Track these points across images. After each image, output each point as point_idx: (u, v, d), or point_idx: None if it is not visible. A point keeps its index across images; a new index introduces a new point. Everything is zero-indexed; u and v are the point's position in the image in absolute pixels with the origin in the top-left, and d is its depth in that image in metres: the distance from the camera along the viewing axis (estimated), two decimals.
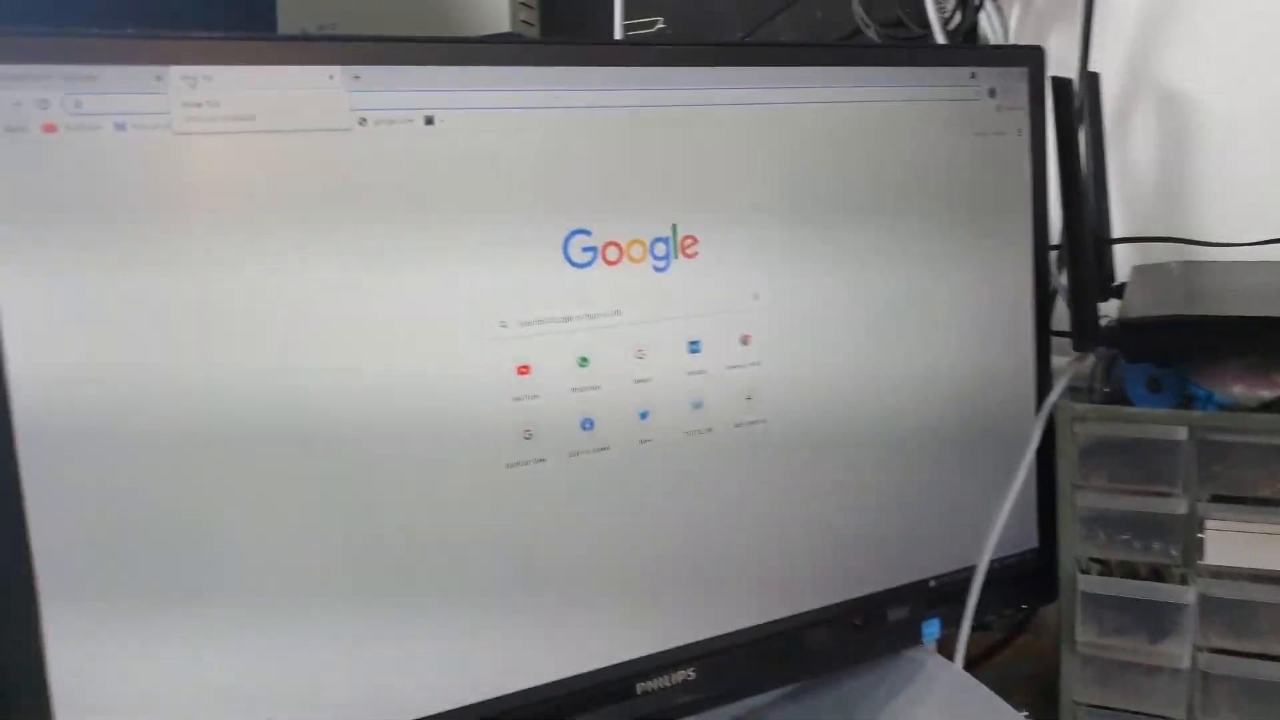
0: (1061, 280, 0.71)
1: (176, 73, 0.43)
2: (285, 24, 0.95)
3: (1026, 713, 0.64)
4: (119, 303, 0.43)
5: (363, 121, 0.47)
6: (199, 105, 0.44)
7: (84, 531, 0.43)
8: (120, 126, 0.43)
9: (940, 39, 0.79)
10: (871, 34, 0.82)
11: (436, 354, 0.49)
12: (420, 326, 0.49)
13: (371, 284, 0.48)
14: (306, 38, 0.47)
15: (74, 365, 0.42)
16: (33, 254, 0.41)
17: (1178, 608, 0.62)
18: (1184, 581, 0.62)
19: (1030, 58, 0.66)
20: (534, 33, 0.92)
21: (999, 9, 0.81)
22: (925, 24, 0.81)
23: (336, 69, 0.46)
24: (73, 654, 0.43)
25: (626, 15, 0.89)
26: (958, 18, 0.80)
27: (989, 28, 0.80)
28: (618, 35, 0.87)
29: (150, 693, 0.45)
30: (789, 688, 0.63)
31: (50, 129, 0.41)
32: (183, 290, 0.44)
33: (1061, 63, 0.77)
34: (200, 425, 0.44)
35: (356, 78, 0.47)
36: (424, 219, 0.49)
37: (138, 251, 0.43)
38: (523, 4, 0.91)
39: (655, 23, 0.91)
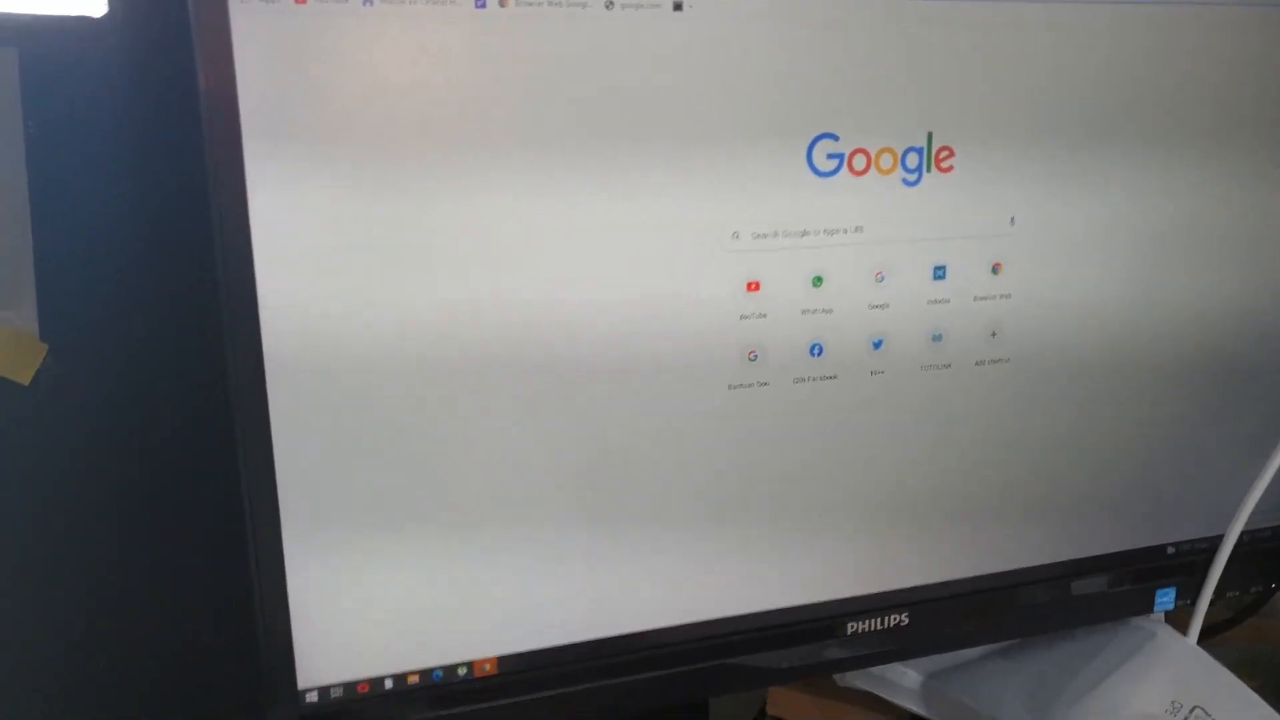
0: None
1: None
2: None
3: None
4: (363, 227, 0.42)
5: (609, 5, 0.43)
6: None
7: (322, 455, 0.43)
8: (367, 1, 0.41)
9: None
10: None
11: (665, 265, 0.46)
12: (651, 235, 0.46)
13: (609, 188, 0.45)
14: None
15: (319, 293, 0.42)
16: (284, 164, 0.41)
17: None
18: None
19: None
20: None
21: None
22: None
23: None
24: (309, 571, 0.44)
25: None
26: None
27: None
28: None
29: (379, 608, 0.46)
30: (1004, 644, 0.59)
31: (301, 1, 0.40)
32: (417, 207, 0.42)
33: None
34: (435, 351, 0.44)
35: None
36: (665, 112, 0.45)
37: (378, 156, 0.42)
38: None
39: None
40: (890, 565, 0.53)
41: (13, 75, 0.52)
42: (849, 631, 0.53)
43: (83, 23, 0.59)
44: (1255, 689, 0.58)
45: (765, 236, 0.48)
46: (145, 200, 0.54)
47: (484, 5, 0.42)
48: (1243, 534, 0.59)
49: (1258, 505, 0.58)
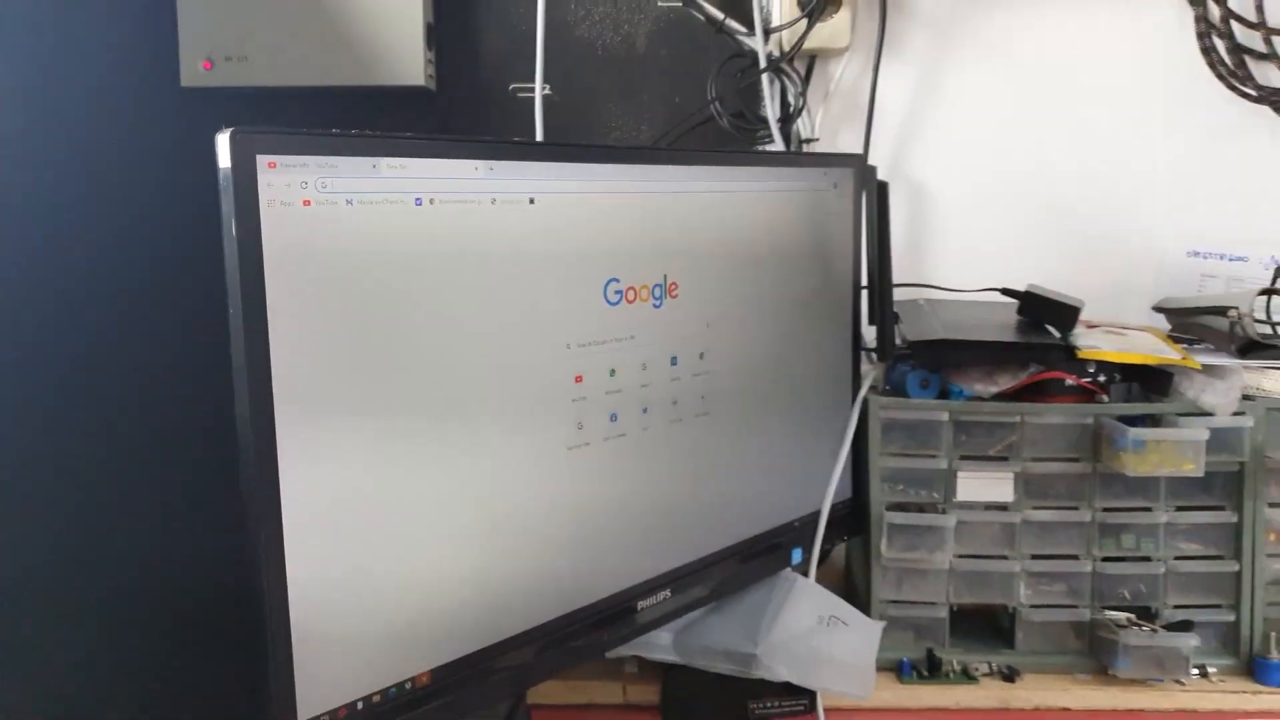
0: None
1: (384, 164, 0.59)
2: (187, 55, 1.03)
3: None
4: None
5: (494, 201, 0.65)
6: (397, 183, 0.59)
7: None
8: (349, 201, 0.57)
9: (775, 132, 1.08)
10: (724, 123, 1.08)
11: (526, 364, 0.68)
12: (516, 342, 0.67)
13: (489, 315, 0.65)
14: (464, 139, 0.63)
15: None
16: (293, 297, 0.55)
17: (943, 529, 0.95)
18: (944, 512, 0.96)
19: (857, 162, 0.96)
20: (433, 84, 1.08)
21: (809, 113, 1.11)
22: (761, 116, 1.09)
23: (481, 162, 0.64)
24: (300, 465, 0.57)
25: (513, 81, 1.09)
26: (784, 116, 1.10)
27: (803, 125, 1.11)
28: (538, 98, 1.06)
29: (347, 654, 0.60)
30: (715, 603, 0.88)
31: (307, 203, 0.55)
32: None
33: (849, 150, 1.08)
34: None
35: (491, 169, 0.64)
36: (523, 267, 0.67)
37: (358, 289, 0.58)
38: (428, 59, 1.07)
39: (545, 87, 1.11)
40: (658, 557, 0.80)
41: None
42: (640, 608, 0.78)
43: None
44: None
45: (584, 346, 0.72)
46: None
47: (420, 202, 0.61)
48: (832, 506, 0.95)
49: (835, 490, 0.95)
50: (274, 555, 0.56)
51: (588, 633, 0.74)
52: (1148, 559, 0.96)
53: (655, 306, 0.77)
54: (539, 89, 1.06)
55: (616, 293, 0.74)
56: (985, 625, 0.98)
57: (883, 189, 0.93)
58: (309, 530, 0.57)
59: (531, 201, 0.67)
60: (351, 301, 0.58)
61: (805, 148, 1.11)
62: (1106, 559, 0.96)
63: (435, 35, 1.09)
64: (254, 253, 0.53)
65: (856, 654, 0.84)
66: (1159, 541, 0.95)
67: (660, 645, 0.84)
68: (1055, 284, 1.02)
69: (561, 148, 0.70)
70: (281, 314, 0.55)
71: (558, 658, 0.72)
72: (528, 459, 0.69)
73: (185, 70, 1.04)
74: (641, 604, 0.79)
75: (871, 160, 1.10)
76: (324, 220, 0.56)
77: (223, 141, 0.52)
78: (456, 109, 1.12)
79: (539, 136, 1.06)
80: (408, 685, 0.64)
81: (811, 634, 0.85)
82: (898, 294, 1.11)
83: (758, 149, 1.11)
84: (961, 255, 1.15)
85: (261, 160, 0.53)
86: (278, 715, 0.57)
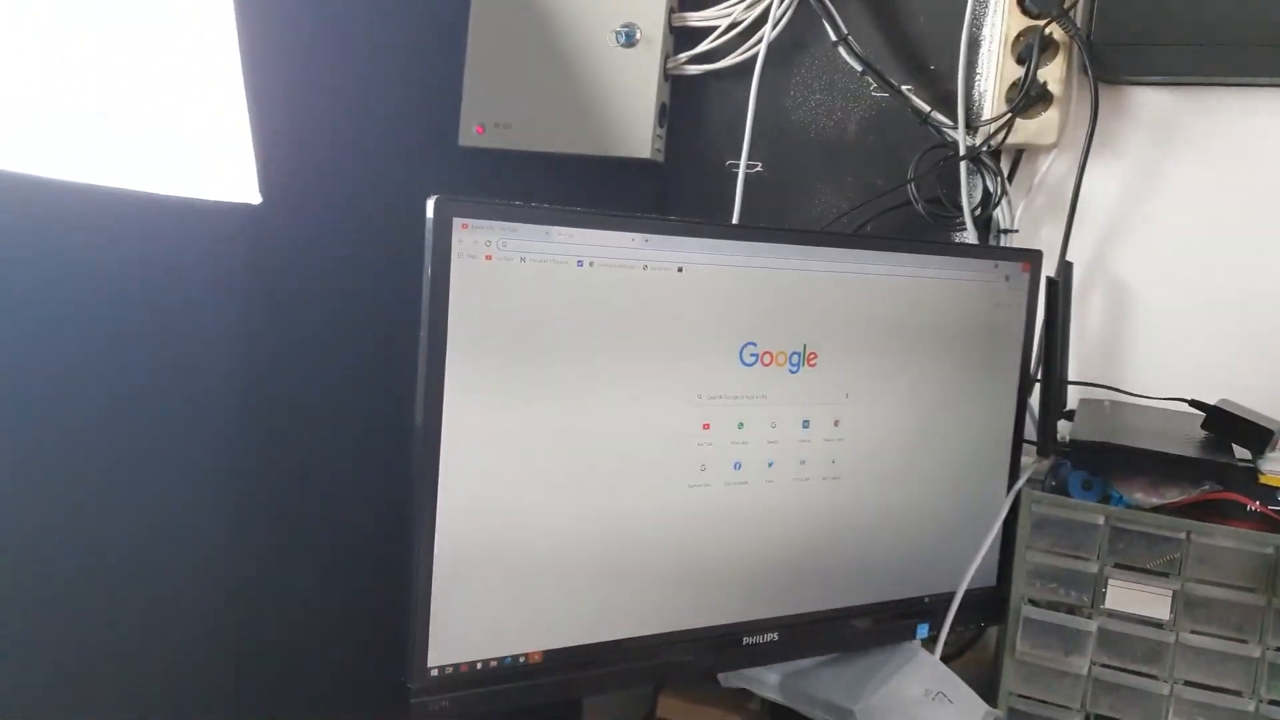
0: (1032, 405, 1.03)
1: (555, 231, 0.73)
2: (466, 119, 1.24)
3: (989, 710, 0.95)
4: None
5: (645, 267, 0.77)
6: (564, 247, 0.73)
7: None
8: (523, 259, 0.72)
9: (969, 220, 1.12)
10: (919, 208, 1.14)
11: (658, 407, 0.79)
12: (650, 386, 0.79)
13: (629, 361, 0.77)
14: (622, 215, 0.76)
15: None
16: (469, 328, 0.70)
17: (1084, 634, 0.94)
18: (1089, 617, 0.94)
19: (1033, 257, 0.98)
20: (660, 157, 1.22)
21: (1009, 203, 1.13)
22: (958, 205, 1.13)
23: (638, 235, 0.76)
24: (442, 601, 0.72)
25: (731, 158, 1.21)
26: (981, 207, 1.13)
27: (1002, 216, 1.13)
28: (740, 175, 1.18)
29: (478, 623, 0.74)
30: (829, 656, 0.93)
31: (489, 258, 0.70)
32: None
33: (1051, 245, 1.09)
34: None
35: (646, 240, 0.76)
36: (670, 329, 0.78)
37: (523, 329, 0.72)
38: (658, 136, 1.22)
39: (755, 165, 1.22)
40: (770, 602, 0.87)
41: None
42: (744, 643, 0.86)
43: (241, 208, 0.85)
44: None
45: (714, 398, 0.81)
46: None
47: (581, 264, 0.74)
48: (966, 591, 0.97)
49: (974, 574, 0.97)
50: (425, 538, 0.71)
51: (689, 654, 0.83)
52: None
53: (791, 372, 0.85)
54: (742, 166, 1.18)
55: (752, 355, 0.83)
56: None
57: (1053, 286, 0.95)
58: (458, 516, 0.72)
59: (680, 270, 0.78)
60: (517, 338, 0.72)
61: (1004, 238, 1.14)
62: (1275, 702, 0.90)
63: (667, 114, 1.23)
64: (443, 291, 0.69)
65: None
66: None
67: (768, 684, 0.91)
68: (1259, 405, 0.97)
69: (707, 225, 0.80)
70: (457, 339, 0.70)
71: (655, 670, 0.82)
72: (651, 488, 0.80)
73: (463, 132, 1.26)
74: (747, 640, 0.86)
75: (1071, 256, 1.10)
76: (500, 271, 0.71)
77: (430, 205, 0.68)
78: (679, 180, 1.26)
79: (737, 209, 1.18)
80: (521, 659, 0.76)
81: (913, 704, 0.88)
82: (1087, 393, 1.11)
83: (952, 237, 1.15)
84: (1159, 361, 1.11)
85: (457, 221, 0.69)
86: (414, 658, 0.72)
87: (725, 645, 0.85)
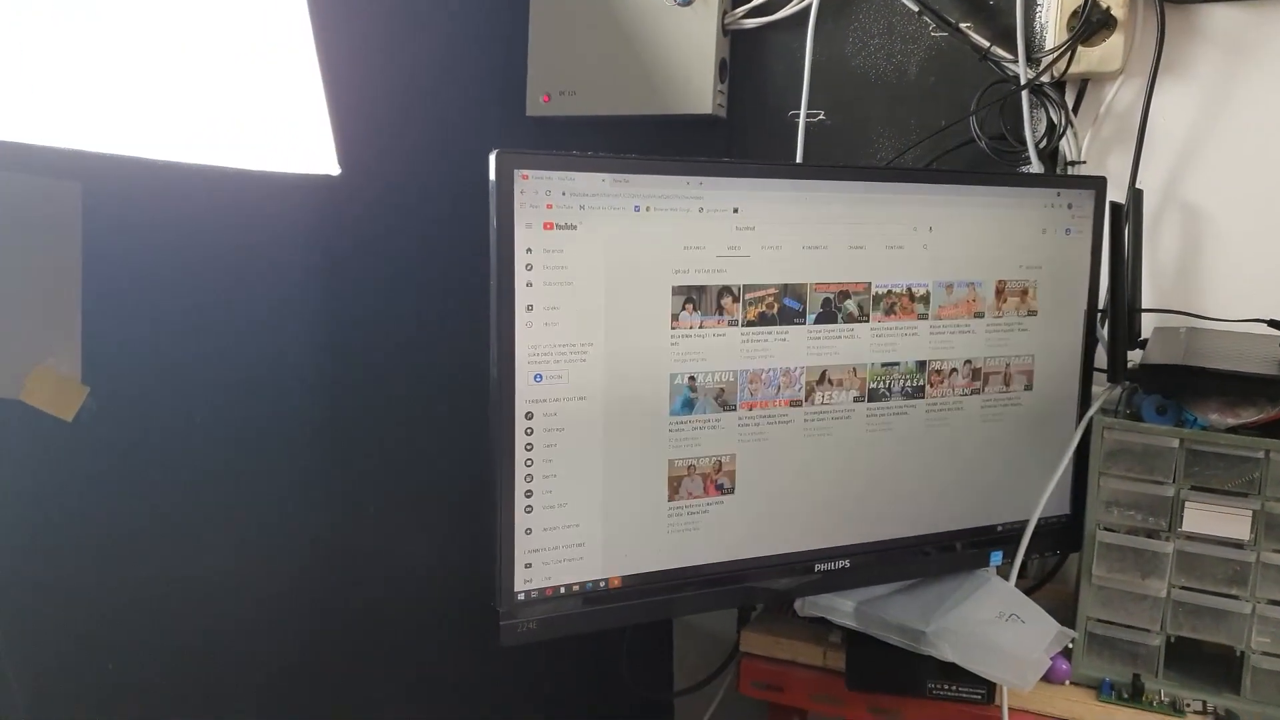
0: (1103, 333, 1.03)
1: (612, 178, 0.77)
2: (532, 90, 1.29)
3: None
4: None
5: (701, 210, 0.80)
6: (621, 193, 0.77)
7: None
8: (582, 206, 0.76)
9: (1033, 154, 1.11)
10: (983, 145, 1.14)
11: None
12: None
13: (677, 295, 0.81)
14: (675, 159, 0.79)
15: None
16: (534, 270, 0.75)
17: (1161, 556, 0.94)
18: (1167, 540, 0.94)
19: (1097, 184, 0.98)
20: (723, 112, 1.25)
21: (1075, 134, 1.12)
22: (1021, 139, 1.13)
23: (690, 178, 0.80)
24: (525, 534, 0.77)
25: (793, 109, 1.23)
26: (1046, 139, 1.13)
27: (1068, 148, 1.12)
28: (801, 125, 1.21)
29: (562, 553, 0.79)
30: (905, 582, 0.96)
31: (550, 206, 0.75)
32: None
33: (1119, 175, 1.08)
34: None
35: (700, 183, 0.80)
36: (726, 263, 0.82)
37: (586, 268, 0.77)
38: (719, 91, 1.24)
39: (818, 114, 1.24)
40: (841, 529, 0.90)
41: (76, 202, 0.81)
42: (815, 570, 0.89)
43: (321, 180, 0.91)
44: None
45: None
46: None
47: (638, 209, 0.78)
48: (1040, 520, 0.98)
49: (1047, 503, 0.98)
50: (507, 471, 0.76)
51: (762, 579, 0.87)
52: None
53: (859, 309, 0.88)
54: (803, 115, 1.19)
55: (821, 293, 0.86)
56: (1210, 664, 0.95)
57: (1116, 211, 0.95)
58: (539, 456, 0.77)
59: (735, 210, 0.82)
60: (579, 276, 0.77)
61: (1071, 170, 1.13)
62: None
63: (728, 70, 1.26)
64: (509, 238, 0.74)
65: (1024, 647, 0.87)
66: None
67: (843, 611, 0.94)
68: None
69: (761, 165, 0.83)
70: (523, 280, 0.75)
71: (730, 595, 0.86)
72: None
73: (530, 102, 1.31)
74: (820, 567, 0.89)
75: (1142, 184, 1.09)
76: (560, 218, 0.76)
77: (491, 159, 0.73)
78: (743, 133, 1.28)
79: (799, 157, 1.20)
80: (602, 584, 0.81)
81: (986, 624, 0.90)
82: (1163, 320, 1.10)
83: (1019, 171, 1.15)
84: (1235, 284, 1.09)
85: (517, 174, 0.73)
86: (503, 583, 0.78)
87: (799, 572, 0.89)
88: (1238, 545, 0.92)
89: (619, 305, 0.78)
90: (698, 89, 1.23)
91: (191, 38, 0.71)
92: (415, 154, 1.18)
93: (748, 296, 0.83)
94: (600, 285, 0.77)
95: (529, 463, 0.77)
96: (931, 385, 0.92)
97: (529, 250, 0.75)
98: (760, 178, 0.82)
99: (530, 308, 0.75)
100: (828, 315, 0.87)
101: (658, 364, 0.81)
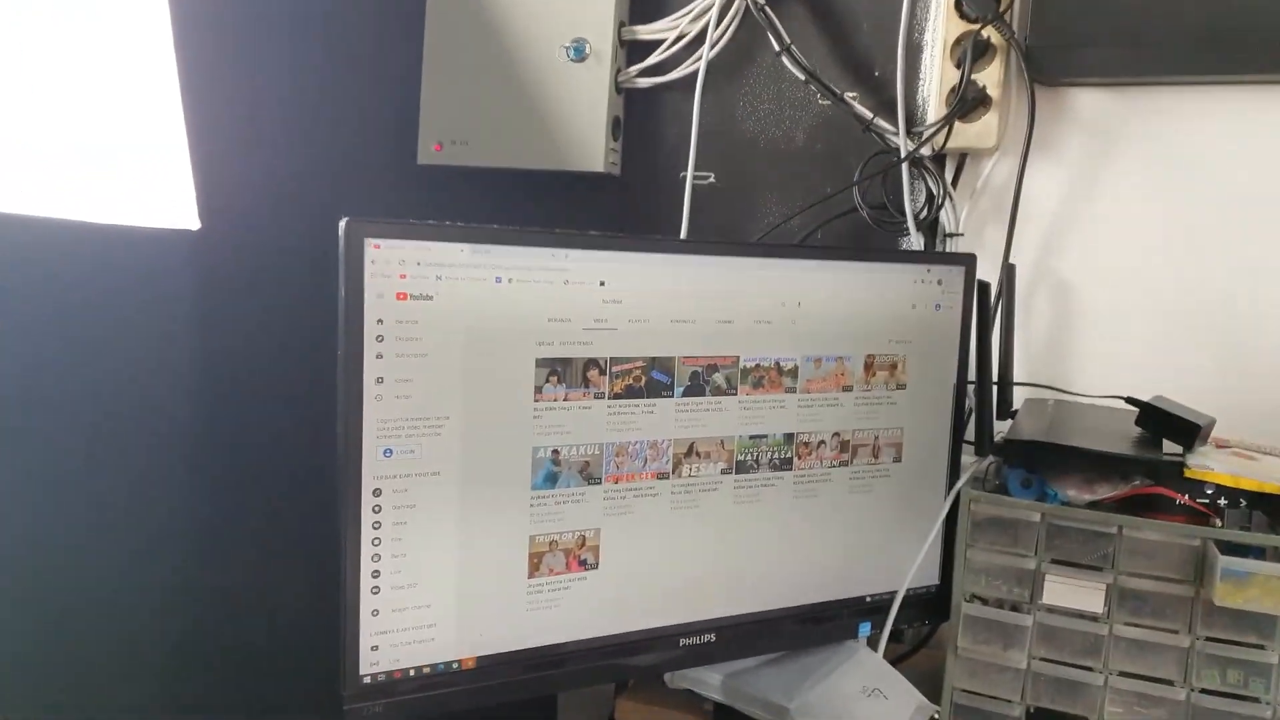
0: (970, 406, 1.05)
1: (470, 249, 0.75)
2: (424, 138, 1.27)
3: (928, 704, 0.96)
4: None
5: (566, 282, 0.79)
6: (482, 263, 0.76)
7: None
8: (439, 277, 0.75)
9: (911, 224, 1.14)
10: (864, 214, 1.16)
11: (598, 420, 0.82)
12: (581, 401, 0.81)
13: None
14: (540, 231, 0.78)
15: None
16: (382, 342, 0.73)
17: (1022, 629, 0.95)
18: (1028, 613, 0.96)
19: (966, 261, 1.00)
20: (616, 169, 1.25)
21: (954, 206, 1.15)
22: (902, 210, 1.15)
23: (557, 250, 0.79)
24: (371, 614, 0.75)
25: (685, 169, 1.23)
26: (925, 210, 1.15)
27: (947, 219, 1.15)
28: (687, 187, 1.21)
29: (408, 631, 0.76)
30: (768, 656, 0.95)
31: (403, 277, 0.73)
32: None
33: (993, 250, 1.11)
34: None
35: (566, 255, 0.79)
36: (603, 338, 0.81)
37: (441, 341, 0.75)
38: (611, 149, 1.24)
39: (708, 176, 1.25)
40: (706, 604, 0.89)
41: None
42: (680, 644, 0.88)
43: (180, 235, 0.88)
44: (925, 691, 0.97)
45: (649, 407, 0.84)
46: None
47: (500, 281, 0.77)
48: (908, 591, 0.99)
49: (916, 573, 0.99)
50: (353, 546, 0.73)
51: (625, 655, 0.85)
52: (1256, 700, 0.90)
53: (726, 379, 0.87)
54: (689, 177, 1.20)
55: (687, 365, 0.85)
56: None
57: (984, 289, 0.97)
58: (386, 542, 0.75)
59: (602, 284, 0.81)
60: (434, 348, 0.75)
61: (949, 242, 1.15)
62: (1206, 691, 0.91)
63: (621, 128, 1.26)
64: (358, 308, 0.72)
65: None
66: (1270, 683, 0.89)
67: (710, 684, 0.93)
68: (1199, 400, 0.99)
69: (628, 239, 0.83)
70: (373, 352, 0.73)
71: (591, 674, 0.84)
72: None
73: (421, 151, 1.29)
74: (685, 641, 0.88)
75: (1015, 258, 1.12)
76: (414, 288, 0.74)
77: (341, 227, 0.71)
78: (636, 192, 1.28)
79: (685, 220, 1.20)
80: (455, 665, 0.79)
81: (848, 699, 0.89)
82: (1033, 393, 1.13)
83: (899, 241, 1.17)
84: (1101, 360, 1.13)
85: (368, 243, 0.71)
86: (347, 666, 0.75)
87: (664, 647, 0.87)
88: (1093, 618, 0.94)
89: (478, 377, 0.77)
90: (590, 146, 1.23)
91: (55, 89, 0.68)
92: (287, 204, 1.15)
93: (614, 369, 0.82)
94: (457, 357, 0.76)
95: (376, 541, 0.75)
96: (800, 457, 0.92)
97: (380, 321, 0.73)
98: (628, 251, 0.82)
99: (380, 380, 0.73)
100: (696, 388, 0.86)
101: (519, 437, 0.79)
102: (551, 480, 0.81)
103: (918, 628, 1.08)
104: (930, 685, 0.99)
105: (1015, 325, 1.08)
